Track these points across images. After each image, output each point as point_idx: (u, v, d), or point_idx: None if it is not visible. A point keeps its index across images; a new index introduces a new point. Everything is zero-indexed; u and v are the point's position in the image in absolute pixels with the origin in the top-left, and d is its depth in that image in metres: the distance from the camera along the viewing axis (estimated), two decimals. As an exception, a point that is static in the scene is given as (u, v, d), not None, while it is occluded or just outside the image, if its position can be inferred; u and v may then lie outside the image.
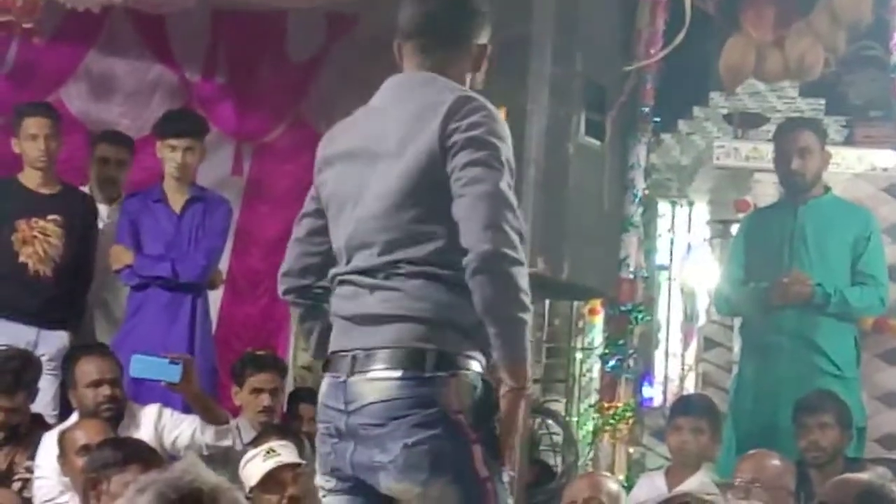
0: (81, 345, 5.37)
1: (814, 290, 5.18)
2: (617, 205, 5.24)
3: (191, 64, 6.86)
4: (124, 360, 4.86)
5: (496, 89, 3.29)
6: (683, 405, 5.31)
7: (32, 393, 5.02)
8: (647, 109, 5.52)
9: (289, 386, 6.27)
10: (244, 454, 4.48)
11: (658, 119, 5.71)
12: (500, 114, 2.92)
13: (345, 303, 2.90)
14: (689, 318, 6.77)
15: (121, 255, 5.54)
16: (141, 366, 4.76)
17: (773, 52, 5.74)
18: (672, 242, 6.96)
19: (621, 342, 5.38)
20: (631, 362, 5.46)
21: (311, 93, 6.93)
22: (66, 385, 5.08)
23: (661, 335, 6.85)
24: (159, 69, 6.84)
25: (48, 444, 4.68)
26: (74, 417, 4.85)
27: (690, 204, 6.84)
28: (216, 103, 6.85)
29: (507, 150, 2.82)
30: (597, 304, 6.46)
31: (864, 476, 3.21)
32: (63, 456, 4.50)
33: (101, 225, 5.84)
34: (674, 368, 6.78)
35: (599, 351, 5.58)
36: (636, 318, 5.45)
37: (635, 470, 5.56)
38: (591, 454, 5.45)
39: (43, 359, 5.20)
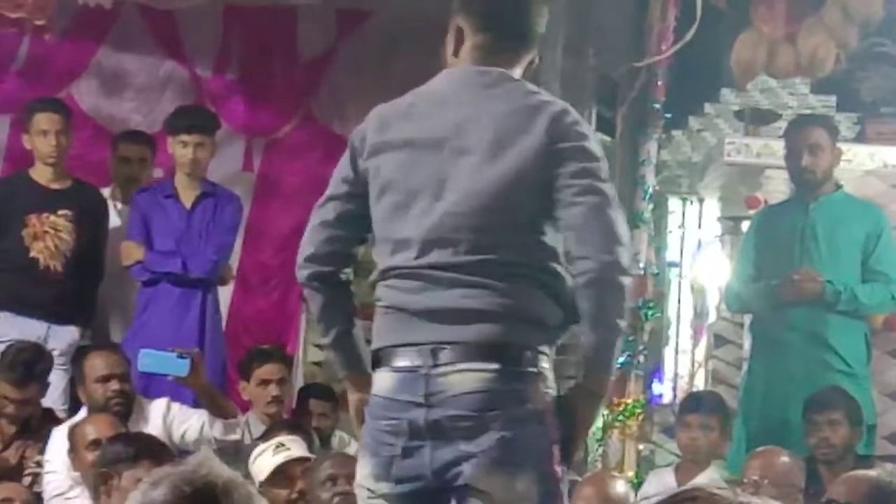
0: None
1: (824, 287, 5.17)
2: (627, 201, 5.24)
3: (202, 60, 6.87)
4: (135, 355, 4.88)
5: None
6: (693, 402, 5.30)
7: (43, 386, 5.03)
8: (657, 105, 5.52)
9: (299, 382, 6.29)
10: (254, 449, 4.49)
11: (669, 115, 5.71)
12: None
13: (409, 296, 2.81)
14: (700, 314, 6.75)
15: (132, 251, 5.55)
16: (149, 360, 4.78)
17: (785, 49, 5.74)
18: (682, 239, 6.95)
19: (631, 339, 5.38)
20: (641, 359, 5.46)
21: (321, 89, 6.94)
22: (75, 380, 5.09)
23: (672, 332, 6.85)
24: (170, 65, 6.85)
25: (58, 439, 4.69)
26: (84, 412, 4.86)
27: (701, 200, 6.82)
28: (227, 99, 6.86)
29: (605, 165, 2.90)
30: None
31: (872, 473, 3.21)
32: (73, 451, 4.51)
33: (119, 222, 5.84)
34: (684, 365, 6.77)
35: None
36: (646, 314, 5.45)
37: (645, 467, 5.57)
38: (601, 450, 5.45)
39: (53, 354, 5.21)
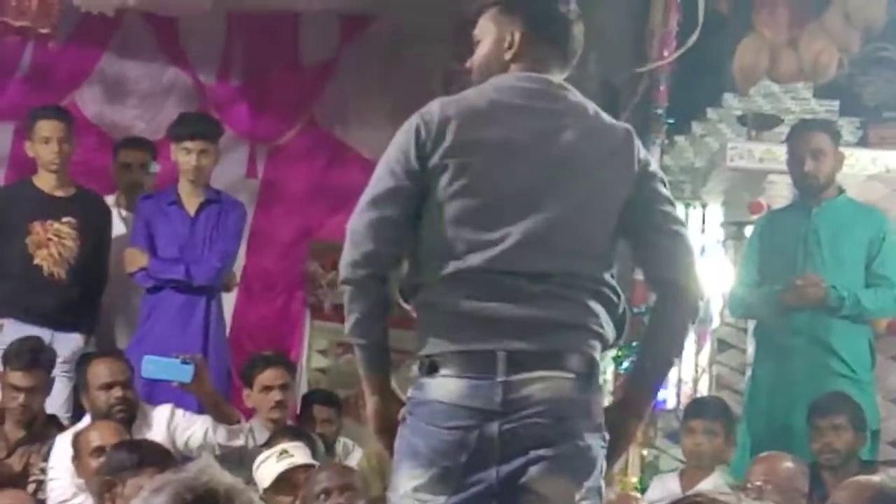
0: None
1: (828, 292, 5.17)
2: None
3: (205, 67, 6.89)
4: (139, 362, 4.88)
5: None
6: (697, 407, 5.30)
7: (49, 381, 5.04)
8: (660, 111, 5.51)
9: (302, 388, 6.30)
10: (258, 455, 4.49)
11: (671, 120, 5.70)
12: None
13: (482, 302, 2.74)
14: (703, 320, 6.73)
15: (135, 258, 5.56)
16: (153, 366, 4.78)
17: (787, 53, 5.73)
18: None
19: (635, 344, 5.36)
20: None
21: (324, 95, 6.96)
22: (78, 387, 5.10)
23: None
24: (174, 72, 6.87)
25: (62, 446, 4.70)
26: (87, 419, 4.87)
27: (704, 206, 6.81)
28: (230, 106, 6.88)
29: None
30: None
31: (876, 478, 3.20)
32: (77, 458, 4.51)
33: (124, 230, 5.85)
34: (687, 371, 6.75)
35: (613, 353, 5.57)
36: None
37: (649, 472, 5.55)
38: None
39: (57, 361, 5.21)
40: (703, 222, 6.87)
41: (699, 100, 6.54)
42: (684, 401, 6.48)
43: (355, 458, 5.22)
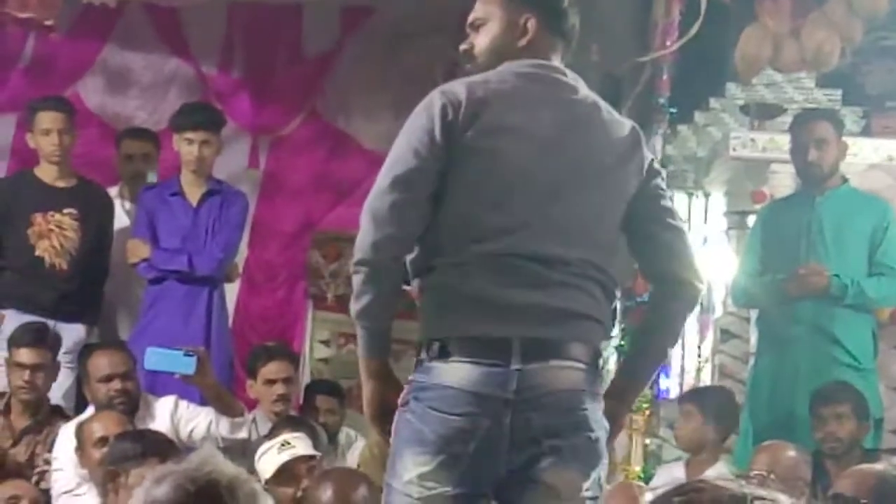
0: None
1: (831, 281, 5.16)
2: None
3: (207, 57, 6.88)
4: (141, 353, 4.88)
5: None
6: (688, 395, 5.40)
7: (54, 366, 5.04)
8: (662, 100, 5.50)
9: (305, 378, 6.30)
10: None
11: (674, 110, 5.69)
12: None
13: (499, 287, 2.71)
14: (706, 309, 6.73)
15: (138, 249, 5.56)
16: (155, 358, 4.78)
17: (790, 43, 5.72)
18: (688, 234, 6.93)
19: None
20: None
21: (326, 86, 6.95)
22: (81, 378, 5.11)
23: (678, 327, 6.82)
24: (175, 63, 6.86)
25: (66, 436, 4.71)
26: (91, 410, 4.87)
27: (707, 195, 6.80)
28: (232, 97, 6.87)
29: None
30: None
31: (878, 467, 3.20)
32: (81, 448, 4.51)
33: (127, 222, 5.84)
34: (690, 360, 6.75)
35: (616, 342, 5.57)
36: (652, 309, 5.42)
37: (652, 461, 5.56)
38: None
39: (60, 352, 5.22)
40: (706, 212, 6.86)
41: (702, 89, 6.53)
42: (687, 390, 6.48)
43: (358, 448, 5.23)
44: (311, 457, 4.30)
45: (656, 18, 5.45)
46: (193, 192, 5.62)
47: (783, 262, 5.30)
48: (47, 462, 4.83)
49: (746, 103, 6.39)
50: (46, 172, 5.64)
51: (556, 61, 2.94)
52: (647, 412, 5.41)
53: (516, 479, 2.72)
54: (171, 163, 5.90)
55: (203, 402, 4.98)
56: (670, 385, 6.50)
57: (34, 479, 4.81)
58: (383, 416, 2.80)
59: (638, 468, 5.24)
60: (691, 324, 6.90)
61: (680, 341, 6.83)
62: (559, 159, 2.80)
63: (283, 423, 4.77)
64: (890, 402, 5.53)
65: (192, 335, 5.34)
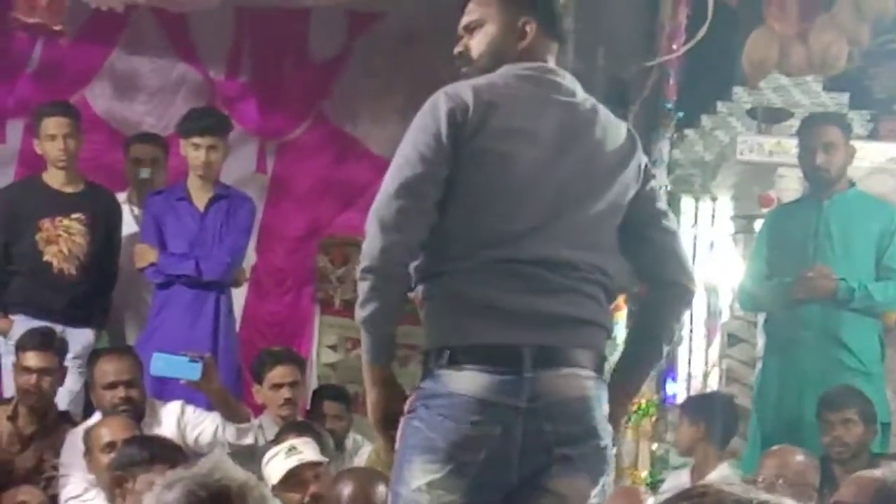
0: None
1: (838, 285, 5.16)
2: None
3: (214, 62, 6.89)
4: (149, 358, 4.88)
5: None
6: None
7: (62, 371, 5.05)
8: (669, 104, 5.51)
9: (312, 383, 6.30)
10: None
11: (681, 114, 5.70)
12: None
13: (509, 294, 2.68)
14: (713, 313, 6.74)
15: (145, 254, 5.56)
16: (161, 364, 4.78)
17: (797, 46, 5.72)
18: (695, 238, 6.94)
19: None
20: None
21: (334, 90, 6.96)
22: (88, 384, 5.11)
23: (685, 331, 6.84)
24: (183, 68, 6.87)
25: (73, 442, 4.71)
26: (98, 415, 4.88)
27: (714, 199, 6.81)
28: (240, 101, 6.88)
29: None
30: (620, 300, 6.45)
31: (877, 473, 3.18)
32: (88, 453, 4.51)
33: (136, 227, 5.85)
34: (697, 365, 6.75)
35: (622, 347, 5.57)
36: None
37: (658, 466, 5.56)
38: (615, 450, 5.44)
39: (68, 357, 5.22)
40: (713, 216, 6.87)
41: (709, 93, 6.54)
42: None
43: (366, 453, 5.23)
44: (319, 462, 4.29)
45: (663, 22, 5.45)
46: (200, 196, 5.63)
47: (790, 265, 5.29)
48: (55, 468, 4.83)
49: (753, 107, 6.39)
50: (54, 178, 5.64)
51: (552, 64, 2.94)
52: (654, 417, 5.41)
53: (526, 487, 2.71)
54: (179, 168, 5.91)
55: (210, 408, 4.99)
56: (677, 390, 6.50)
57: (42, 484, 4.81)
58: (387, 421, 2.80)
59: (645, 473, 5.24)
60: (698, 328, 6.91)
61: (687, 346, 6.87)
62: (565, 163, 2.79)
63: (288, 428, 4.77)
64: (897, 407, 5.52)
65: (200, 340, 5.34)
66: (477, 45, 2.92)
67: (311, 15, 6.84)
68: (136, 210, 5.96)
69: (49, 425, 5.01)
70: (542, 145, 2.78)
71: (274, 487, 4.17)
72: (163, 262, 5.52)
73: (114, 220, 5.77)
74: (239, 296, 6.20)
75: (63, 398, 5.24)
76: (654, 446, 5.48)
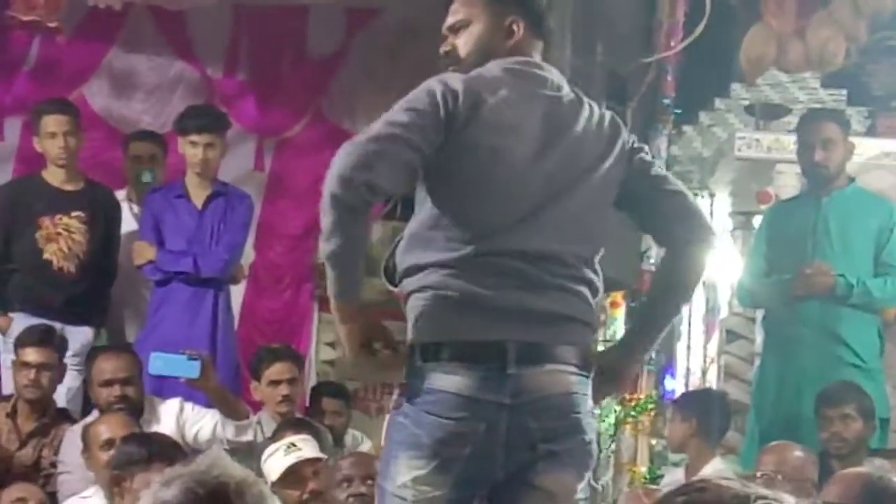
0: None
1: (836, 281, 5.16)
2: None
3: (212, 60, 6.89)
4: (148, 355, 4.89)
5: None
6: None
7: (60, 368, 5.05)
8: (667, 101, 5.51)
9: (311, 380, 6.30)
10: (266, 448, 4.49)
11: (679, 110, 5.70)
12: None
13: (494, 290, 2.69)
14: (711, 310, 6.74)
15: (144, 251, 5.57)
16: (160, 362, 4.79)
17: (795, 43, 5.72)
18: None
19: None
20: (653, 354, 5.45)
21: (332, 87, 6.96)
22: (86, 381, 5.12)
23: (683, 327, 6.84)
24: (181, 65, 6.87)
25: (72, 439, 4.71)
26: (97, 413, 4.88)
27: (712, 196, 6.81)
28: (237, 99, 6.88)
29: None
30: (618, 296, 6.45)
31: (862, 470, 3.19)
32: (87, 450, 4.52)
33: (135, 225, 5.85)
34: (696, 361, 6.75)
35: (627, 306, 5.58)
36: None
37: (657, 462, 5.56)
38: (614, 446, 5.45)
39: (67, 354, 5.23)
40: (711, 212, 6.87)
41: (707, 90, 6.54)
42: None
43: (364, 450, 5.23)
44: (317, 459, 4.30)
45: (661, 19, 5.45)
46: (198, 194, 5.63)
47: (789, 262, 5.29)
48: (53, 465, 4.84)
49: (751, 103, 6.39)
50: (54, 175, 5.64)
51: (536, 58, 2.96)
52: (653, 413, 5.42)
53: (511, 482, 2.72)
54: (177, 165, 5.91)
55: (208, 405, 4.99)
56: (676, 386, 6.50)
57: (40, 481, 4.82)
58: (362, 350, 2.75)
59: (643, 468, 5.24)
60: (697, 324, 6.92)
61: (686, 342, 6.88)
62: (551, 155, 2.80)
63: (287, 424, 4.77)
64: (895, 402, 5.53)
65: (198, 337, 5.35)
66: (464, 44, 2.94)
67: (309, 12, 6.84)
68: (136, 208, 5.97)
69: (48, 423, 5.01)
70: (528, 139, 2.79)
71: (273, 484, 4.18)
72: (161, 260, 5.52)
73: (113, 218, 5.78)
74: (237, 293, 6.20)
75: (62, 396, 5.24)
76: (653, 442, 5.49)
